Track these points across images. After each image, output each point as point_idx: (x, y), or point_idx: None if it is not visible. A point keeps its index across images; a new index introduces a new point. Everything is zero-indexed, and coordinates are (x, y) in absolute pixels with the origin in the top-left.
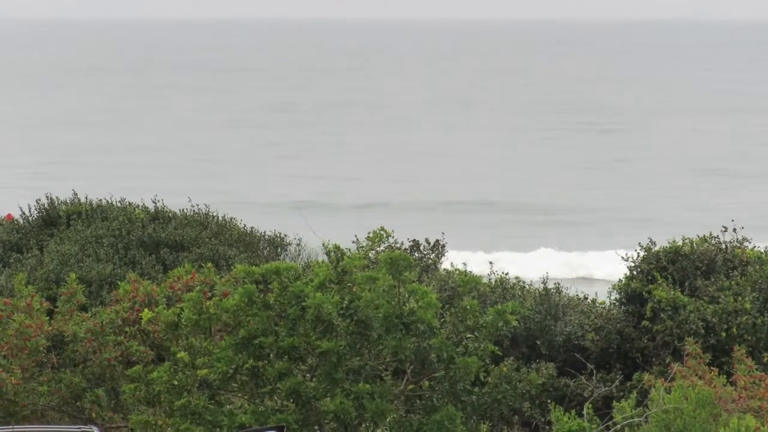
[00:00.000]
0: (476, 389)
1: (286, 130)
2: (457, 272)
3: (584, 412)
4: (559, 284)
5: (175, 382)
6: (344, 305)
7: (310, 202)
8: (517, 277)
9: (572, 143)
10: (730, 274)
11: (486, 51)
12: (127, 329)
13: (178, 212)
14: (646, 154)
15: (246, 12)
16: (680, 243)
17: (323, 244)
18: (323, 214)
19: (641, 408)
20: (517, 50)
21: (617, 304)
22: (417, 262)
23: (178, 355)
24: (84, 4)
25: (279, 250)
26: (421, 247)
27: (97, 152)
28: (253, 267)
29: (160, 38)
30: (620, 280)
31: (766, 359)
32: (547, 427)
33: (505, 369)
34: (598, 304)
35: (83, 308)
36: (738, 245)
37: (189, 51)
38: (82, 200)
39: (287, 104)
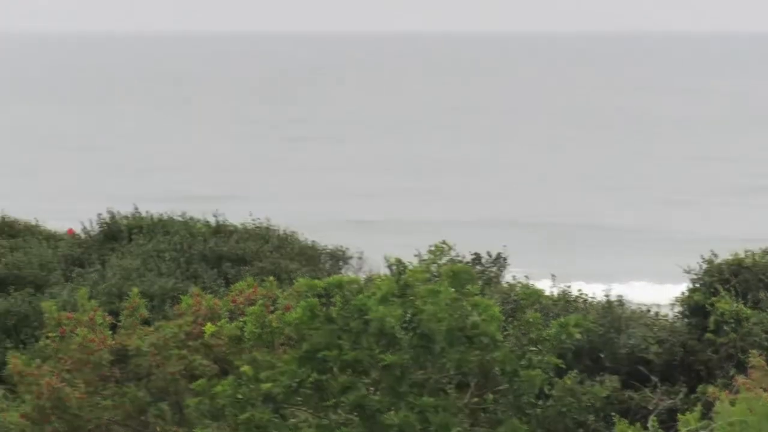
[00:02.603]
0: (540, 402)
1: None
2: (520, 285)
3: (649, 424)
4: (621, 297)
5: (239, 396)
6: (407, 319)
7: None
8: (579, 290)
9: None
10: None
11: (542, 63)
12: (190, 343)
13: (239, 226)
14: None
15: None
16: (743, 255)
17: (385, 258)
18: (385, 231)
19: (706, 421)
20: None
21: (680, 316)
22: (479, 275)
23: (242, 369)
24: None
25: (340, 263)
26: (483, 260)
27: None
28: (316, 280)
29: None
30: (683, 293)
31: None
32: None
33: (568, 382)
34: (660, 317)
35: (146, 322)
36: None
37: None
38: (144, 214)
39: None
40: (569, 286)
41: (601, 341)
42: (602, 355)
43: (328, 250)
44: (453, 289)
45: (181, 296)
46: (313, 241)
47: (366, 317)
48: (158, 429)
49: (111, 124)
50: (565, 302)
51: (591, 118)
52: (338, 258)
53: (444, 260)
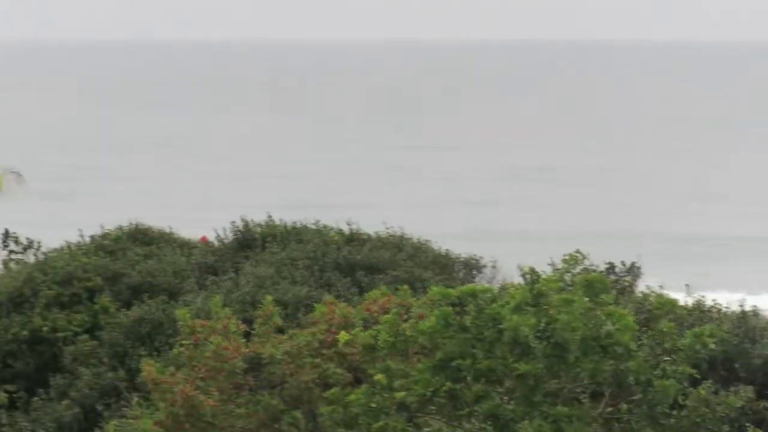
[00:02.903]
0: (674, 412)
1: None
2: (654, 295)
3: None
4: (756, 307)
5: (373, 405)
6: (541, 328)
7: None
8: (714, 300)
9: None
10: None
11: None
12: (323, 351)
13: (372, 234)
14: None
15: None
16: None
17: (519, 267)
18: (515, 240)
19: None
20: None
21: None
22: (613, 285)
23: (376, 378)
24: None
25: (474, 272)
26: (617, 270)
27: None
28: (449, 289)
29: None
30: None
31: None
32: None
33: (703, 392)
34: None
35: (280, 330)
36: None
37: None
38: (277, 222)
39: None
40: (703, 296)
41: (736, 351)
42: (736, 366)
43: (461, 259)
44: (587, 299)
45: (315, 304)
46: (447, 250)
47: (500, 326)
48: None
49: (227, 131)
50: (700, 312)
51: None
52: (472, 267)
53: (578, 269)
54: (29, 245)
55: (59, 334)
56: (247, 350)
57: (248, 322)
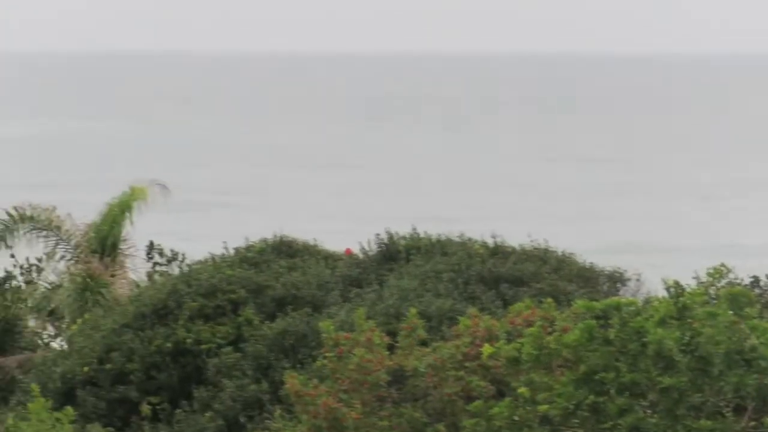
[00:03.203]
0: None
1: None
2: None
3: None
4: None
5: (516, 418)
6: (685, 341)
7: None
8: None
9: None
10: None
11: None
12: (467, 364)
13: (516, 247)
14: None
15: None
16: None
17: (663, 280)
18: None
19: None
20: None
21: None
22: (758, 298)
23: (519, 391)
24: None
25: (618, 285)
26: (761, 283)
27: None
28: (594, 302)
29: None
30: None
31: None
32: None
33: None
34: None
35: (423, 343)
36: None
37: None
38: (421, 235)
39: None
40: None
41: None
42: None
43: (606, 272)
44: (731, 312)
45: (459, 317)
46: (591, 263)
47: (644, 339)
48: None
49: (363, 143)
50: None
51: None
52: (616, 280)
53: (722, 283)
54: (173, 257)
55: (203, 346)
56: (391, 363)
57: (392, 334)
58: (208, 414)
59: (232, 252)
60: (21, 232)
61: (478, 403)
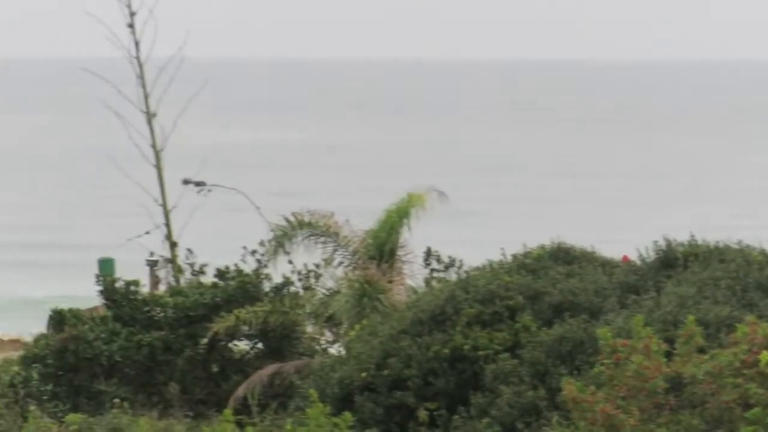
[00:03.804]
0: None
1: None
2: None
3: None
4: None
5: None
6: None
7: None
8: None
9: None
10: None
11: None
12: (745, 372)
13: None
14: None
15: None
16: None
17: None
18: None
19: None
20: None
21: None
22: None
23: None
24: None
25: None
26: None
27: None
28: None
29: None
30: None
31: None
32: None
33: None
34: None
35: (701, 350)
36: None
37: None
38: (699, 242)
39: None
40: None
41: None
42: None
43: None
44: None
45: (737, 325)
46: None
47: None
48: None
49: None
50: None
51: None
52: None
53: None
54: (451, 263)
55: (480, 353)
56: (668, 370)
57: (669, 341)
58: (485, 420)
59: (509, 258)
60: (299, 238)
61: (756, 410)
